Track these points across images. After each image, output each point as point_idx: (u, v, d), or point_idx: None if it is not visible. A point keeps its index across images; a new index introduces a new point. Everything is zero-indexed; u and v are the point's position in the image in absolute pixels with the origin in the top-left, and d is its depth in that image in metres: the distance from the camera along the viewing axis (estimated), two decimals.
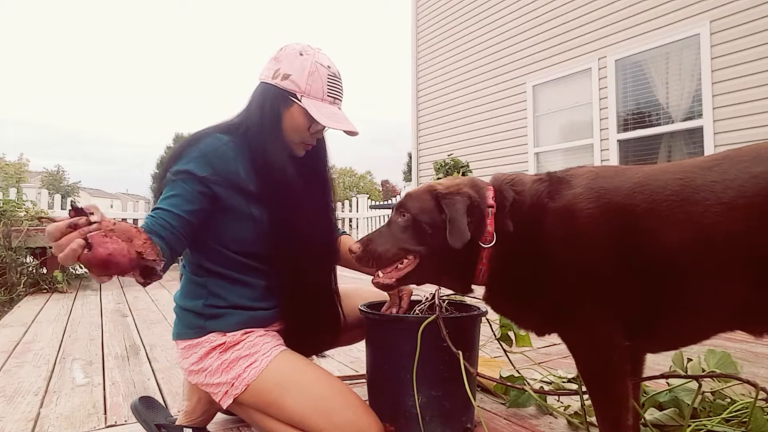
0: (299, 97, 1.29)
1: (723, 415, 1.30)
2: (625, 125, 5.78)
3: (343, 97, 1.38)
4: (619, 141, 5.77)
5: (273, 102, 1.30)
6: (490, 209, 1.09)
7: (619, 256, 0.95)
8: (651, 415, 1.35)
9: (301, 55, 1.31)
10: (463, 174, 6.16)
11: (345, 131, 1.33)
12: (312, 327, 1.39)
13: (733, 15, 4.84)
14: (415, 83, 9.00)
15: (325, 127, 1.34)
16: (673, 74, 5.38)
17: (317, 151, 1.43)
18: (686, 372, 1.47)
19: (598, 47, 6.00)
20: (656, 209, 0.92)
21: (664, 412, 1.34)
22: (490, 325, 1.62)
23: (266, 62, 1.36)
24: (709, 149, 4.94)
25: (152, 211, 1.20)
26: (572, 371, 1.70)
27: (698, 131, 5.09)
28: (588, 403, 1.69)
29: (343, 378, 1.87)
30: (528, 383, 1.59)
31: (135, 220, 7.16)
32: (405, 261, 1.11)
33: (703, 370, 1.45)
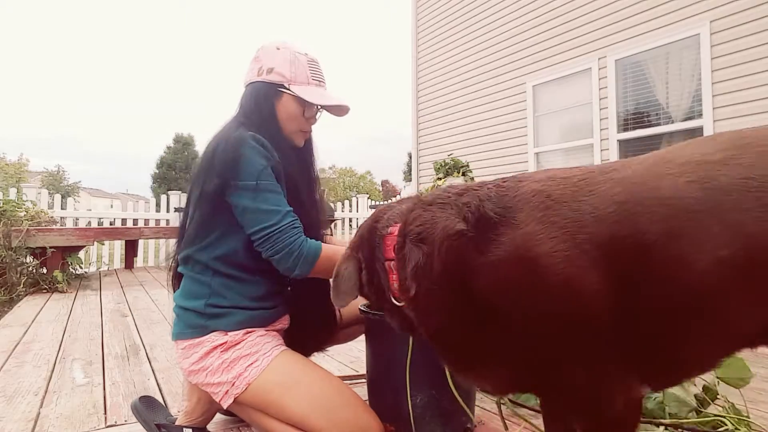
0: (287, 86, 1.34)
1: None
2: (625, 125, 5.78)
3: (326, 80, 1.44)
4: (619, 141, 5.77)
5: (266, 97, 1.35)
6: (392, 263, 0.90)
7: (622, 301, 0.73)
8: None
9: (278, 49, 1.37)
10: (464, 174, 6.15)
11: (336, 109, 1.40)
12: (313, 323, 1.39)
13: (733, 15, 4.84)
14: (415, 83, 9.00)
15: (318, 111, 1.40)
16: (673, 74, 5.38)
17: (306, 148, 1.47)
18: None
19: (598, 47, 6.00)
20: (679, 231, 0.70)
21: None
22: None
23: (248, 66, 1.41)
24: None
25: (292, 219, 1.23)
26: None
27: (698, 131, 5.09)
28: None
29: (343, 378, 1.87)
30: None
31: (135, 221, 7.17)
32: None
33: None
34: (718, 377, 1.36)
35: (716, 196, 0.70)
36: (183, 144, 29.97)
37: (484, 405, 1.63)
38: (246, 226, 1.23)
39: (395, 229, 0.92)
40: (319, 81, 1.40)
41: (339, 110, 1.42)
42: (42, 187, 8.75)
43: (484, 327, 0.80)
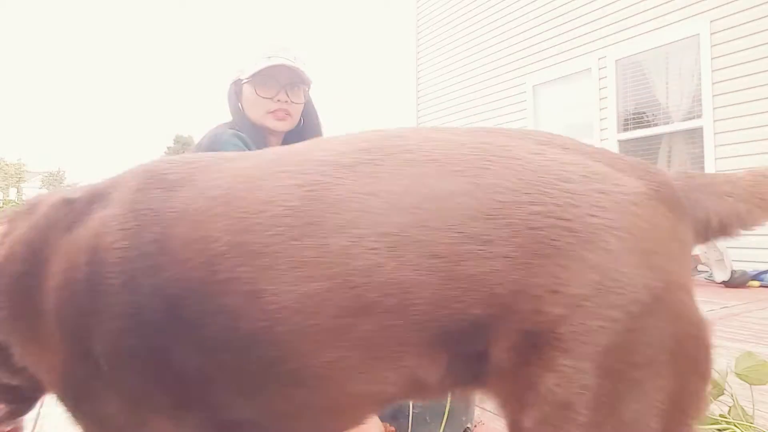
0: (242, 77, 1.39)
1: None
2: (625, 125, 5.78)
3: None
4: (620, 141, 5.77)
5: (229, 97, 1.43)
6: None
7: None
8: None
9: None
10: None
11: (287, 74, 1.35)
12: None
13: (733, 15, 4.84)
14: (416, 83, 9.00)
15: (282, 89, 1.35)
16: (673, 74, 5.38)
17: (297, 135, 1.44)
18: None
19: (598, 47, 6.00)
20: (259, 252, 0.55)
21: None
22: None
23: None
24: (709, 149, 4.93)
25: None
26: None
27: (698, 131, 5.09)
28: None
29: None
30: None
31: None
32: None
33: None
34: (736, 373, 1.32)
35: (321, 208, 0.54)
36: (183, 144, 30.00)
37: (484, 405, 1.62)
38: None
39: None
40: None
41: (292, 74, 1.36)
42: (42, 187, 8.75)
43: None
